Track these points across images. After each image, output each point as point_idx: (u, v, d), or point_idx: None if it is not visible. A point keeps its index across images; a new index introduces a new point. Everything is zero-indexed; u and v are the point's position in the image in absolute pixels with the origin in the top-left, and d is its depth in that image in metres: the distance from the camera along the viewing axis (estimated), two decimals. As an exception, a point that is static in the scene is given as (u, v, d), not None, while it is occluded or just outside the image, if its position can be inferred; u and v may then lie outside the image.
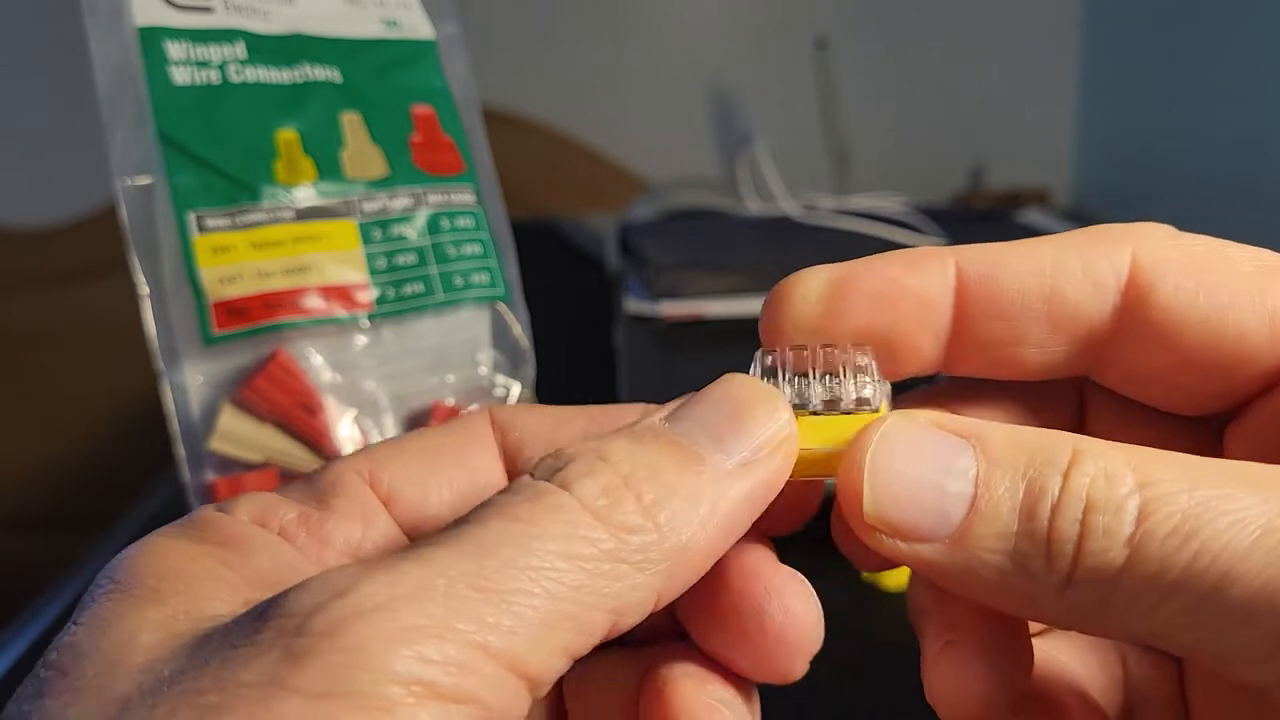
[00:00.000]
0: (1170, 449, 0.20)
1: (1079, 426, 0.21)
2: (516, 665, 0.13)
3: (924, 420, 0.16)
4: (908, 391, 0.20)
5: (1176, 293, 0.17)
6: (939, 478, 0.15)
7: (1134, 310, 0.17)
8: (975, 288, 0.18)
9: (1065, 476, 0.15)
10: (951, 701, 0.17)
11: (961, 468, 0.15)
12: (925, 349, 0.18)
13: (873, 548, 0.16)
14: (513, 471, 0.19)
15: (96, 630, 0.13)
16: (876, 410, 0.17)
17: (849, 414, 0.17)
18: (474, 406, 0.34)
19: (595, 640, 0.14)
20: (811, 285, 0.18)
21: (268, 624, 0.13)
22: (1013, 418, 0.20)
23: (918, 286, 0.18)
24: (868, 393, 0.18)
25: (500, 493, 0.15)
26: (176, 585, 0.14)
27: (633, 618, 0.14)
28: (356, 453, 0.19)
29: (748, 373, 0.18)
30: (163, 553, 0.15)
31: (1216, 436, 0.19)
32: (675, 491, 0.15)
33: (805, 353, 0.18)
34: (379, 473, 0.18)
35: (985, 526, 0.15)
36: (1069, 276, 0.18)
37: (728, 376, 0.17)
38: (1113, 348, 0.18)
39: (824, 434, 0.17)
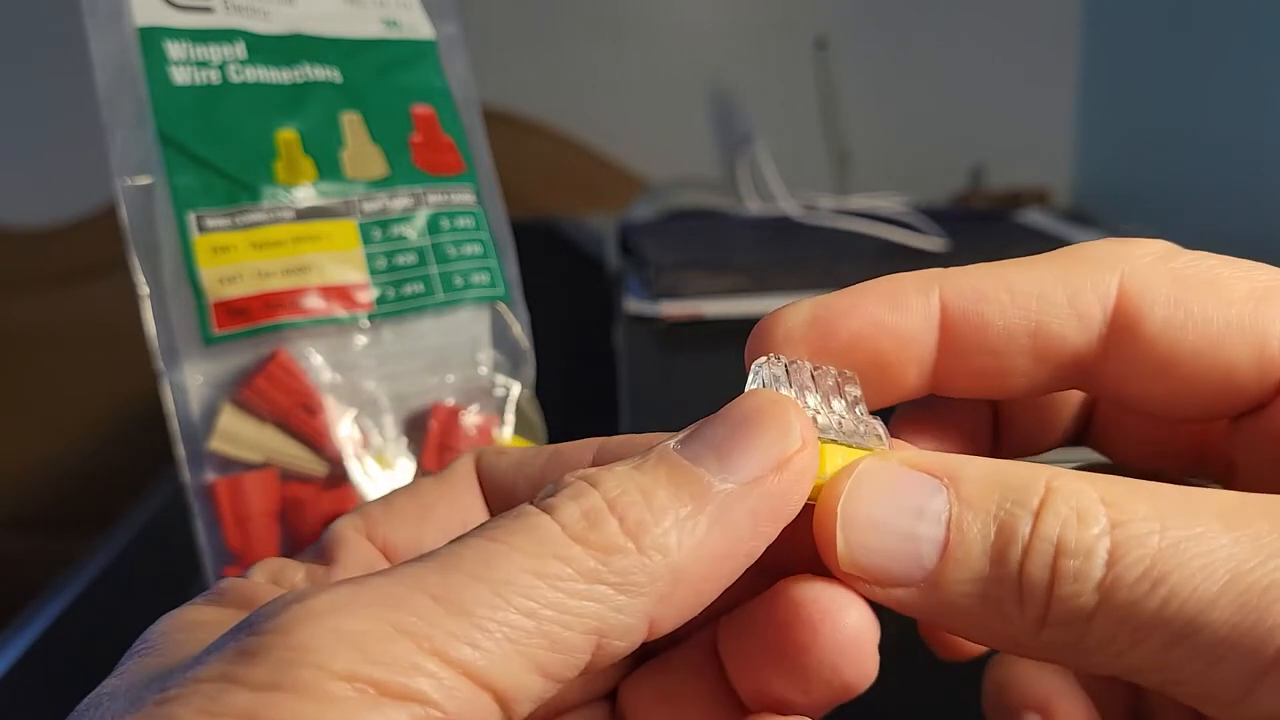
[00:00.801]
0: (1173, 439, 0.20)
1: (1092, 413, 0.21)
2: (477, 675, 0.13)
3: (897, 462, 0.16)
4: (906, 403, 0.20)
5: (1165, 327, 0.17)
6: (911, 523, 0.15)
7: (1121, 338, 0.17)
8: (959, 323, 0.18)
9: (1036, 518, 0.15)
10: (941, 638, 0.18)
11: (935, 510, 0.15)
12: (909, 381, 0.18)
13: (850, 587, 0.16)
14: (493, 514, 0.19)
15: (122, 677, 0.14)
16: (885, 445, 0.18)
17: (864, 448, 0.17)
18: (474, 407, 0.34)
19: (577, 662, 0.14)
20: (794, 323, 0.18)
21: (237, 631, 0.13)
22: (1023, 414, 0.20)
23: (900, 325, 0.18)
24: (880, 429, 0.18)
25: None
26: (201, 639, 0.15)
27: (621, 642, 0.14)
28: (352, 512, 0.19)
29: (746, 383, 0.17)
30: (189, 617, 0.15)
31: (1224, 425, 0.19)
32: (666, 513, 0.14)
33: (807, 369, 0.18)
34: (375, 528, 0.18)
35: (958, 571, 0.15)
36: (1054, 310, 0.17)
37: (750, 392, 0.16)
38: (1101, 371, 0.18)
39: (828, 464, 0.17)
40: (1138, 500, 0.15)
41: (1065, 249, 0.18)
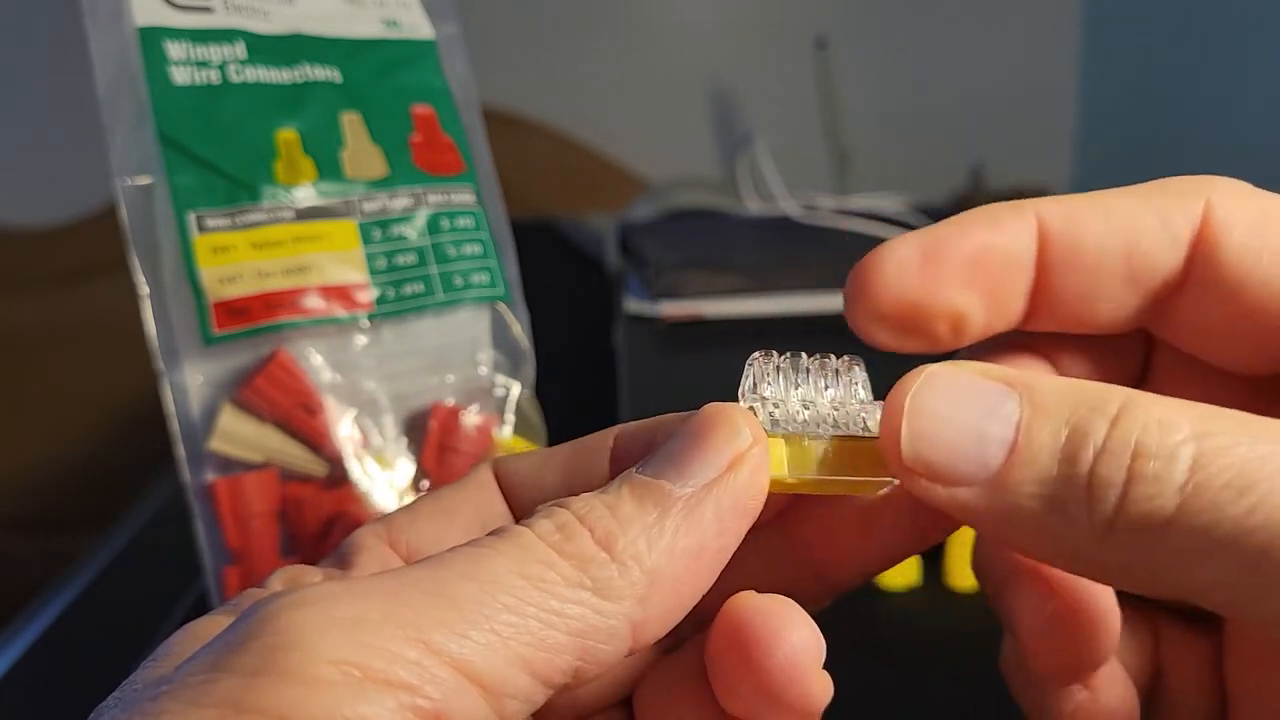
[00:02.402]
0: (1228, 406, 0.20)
1: (1142, 382, 0.21)
2: (464, 667, 0.13)
3: (971, 368, 0.16)
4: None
5: (1242, 250, 0.17)
6: (979, 421, 0.15)
7: (1201, 261, 0.17)
8: (1056, 244, 0.18)
9: (1113, 423, 0.14)
10: (1051, 660, 0.18)
11: (1005, 413, 0.15)
12: (1013, 306, 0.18)
13: (912, 490, 0.16)
14: (517, 517, 0.19)
15: (125, 688, 0.14)
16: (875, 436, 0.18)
17: (853, 438, 0.17)
18: (474, 407, 0.34)
19: (564, 665, 0.14)
20: (907, 255, 0.18)
21: (230, 628, 0.13)
22: (1078, 372, 0.20)
23: (1006, 246, 0.18)
24: (872, 420, 0.18)
25: None
26: None
27: (607, 646, 0.14)
28: (374, 520, 0.19)
29: (740, 381, 0.18)
30: (201, 629, 0.16)
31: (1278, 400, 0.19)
32: (632, 522, 0.15)
33: (803, 361, 0.18)
34: (397, 534, 0.19)
35: (1024, 471, 0.15)
36: (1147, 232, 0.17)
37: (705, 406, 0.17)
38: (1179, 299, 0.18)
39: (812, 460, 0.17)
40: (1221, 418, 0.14)
41: (1150, 183, 0.18)
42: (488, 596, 0.13)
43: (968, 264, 0.18)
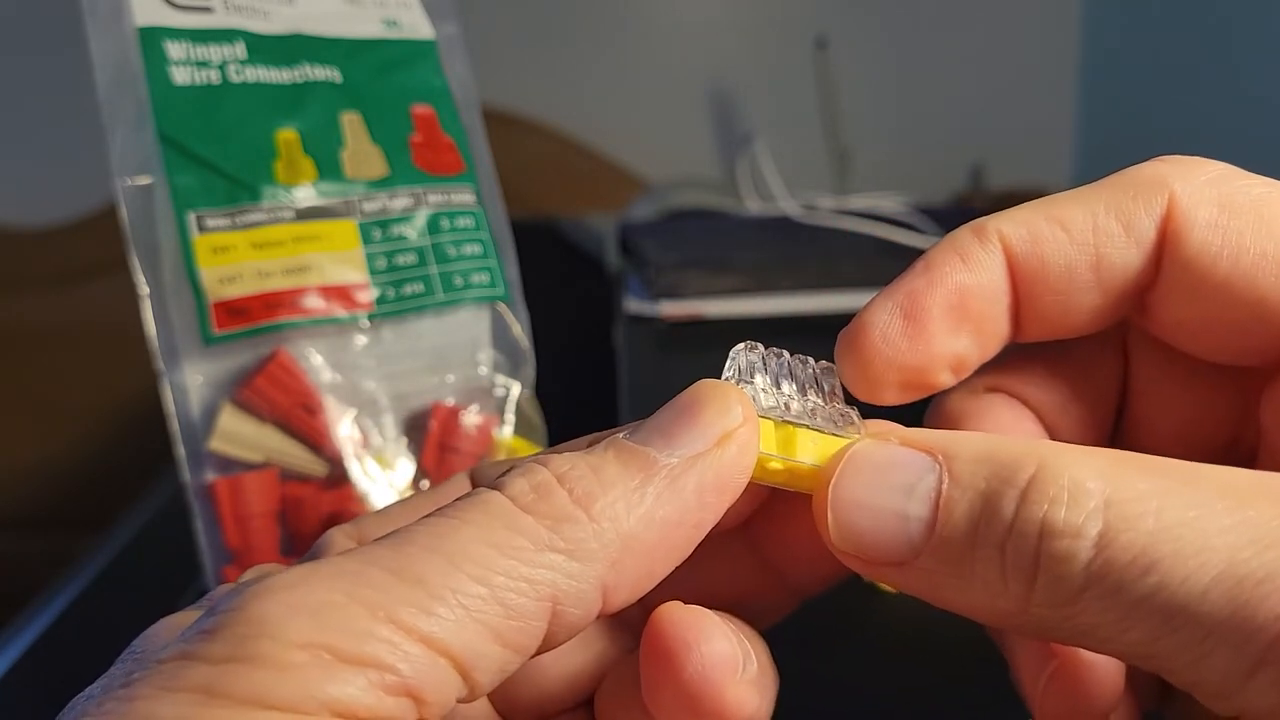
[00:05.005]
0: (1208, 399, 0.19)
1: (1125, 375, 0.21)
2: (433, 641, 0.13)
3: (896, 437, 0.16)
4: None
5: (1200, 252, 0.17)
6: (900, 504, 0.16)
7: (1167, 260, 0.17)
8: (1022, 267, 0.18)
9: (1023, 496, 0.14)
10: (1054, 713, 0.18)
11: (924, 490, 0.15)
12: (1001, 330, 0.18)
13: (848, 566, 0.16)
14: None
15: (101, 681, 0.14)
16: (858, 433, 0.18)
17: (835, 435, 0.17)
18: (474, 407, 0.34)
19: (534, 630, 0.14)
20: (887, 321, 0.18)
21: (200, 619, 0.13)
22: (1060, 377, 0.20)
23: (980, 283, 0.18)
24: (855, 416, 0.18)
25: None
26: None
27: (577, 610, 0.14)
28: (347, 522, 0.19)
29: (723, 368, 0.18)
30: (174, 621, 0.16)
31: (1259, 387, 0.19)
32: (614, 485, 0.15)
33: (785, 358, 0.18)
34: (368, 534, 0.19)
35: (944, 550, 0.15)
36: (1112, 240, 0.17)
37: (698, 382, 0.17)
38: (1152, 296, 0.18)
39: (799, 448, 0.17)
40: (1138, 476, 0.14)
41: (1116, 174, 0.18)
42: (453, 569, 0.13)
43: (950, 312, 0.18)
